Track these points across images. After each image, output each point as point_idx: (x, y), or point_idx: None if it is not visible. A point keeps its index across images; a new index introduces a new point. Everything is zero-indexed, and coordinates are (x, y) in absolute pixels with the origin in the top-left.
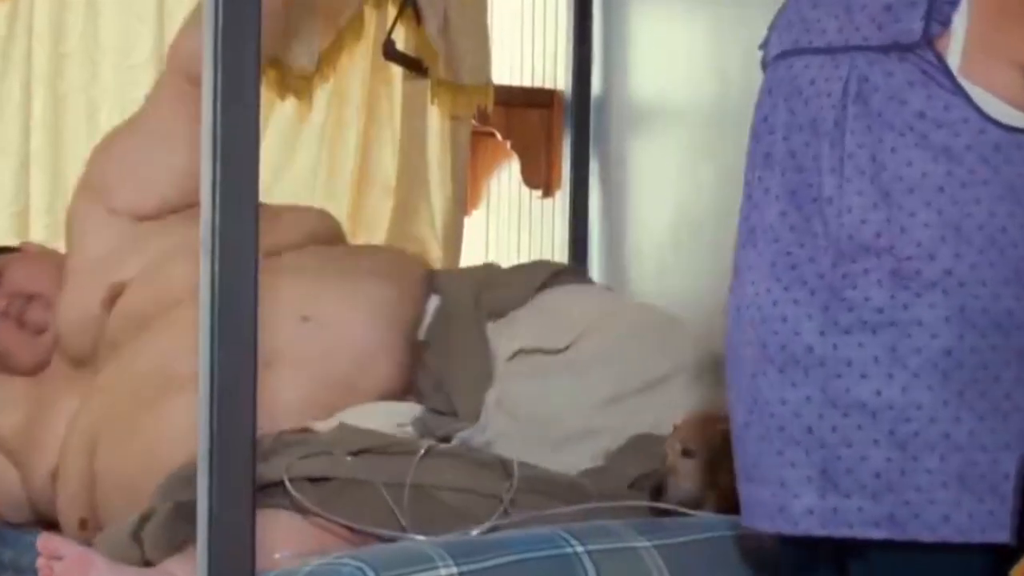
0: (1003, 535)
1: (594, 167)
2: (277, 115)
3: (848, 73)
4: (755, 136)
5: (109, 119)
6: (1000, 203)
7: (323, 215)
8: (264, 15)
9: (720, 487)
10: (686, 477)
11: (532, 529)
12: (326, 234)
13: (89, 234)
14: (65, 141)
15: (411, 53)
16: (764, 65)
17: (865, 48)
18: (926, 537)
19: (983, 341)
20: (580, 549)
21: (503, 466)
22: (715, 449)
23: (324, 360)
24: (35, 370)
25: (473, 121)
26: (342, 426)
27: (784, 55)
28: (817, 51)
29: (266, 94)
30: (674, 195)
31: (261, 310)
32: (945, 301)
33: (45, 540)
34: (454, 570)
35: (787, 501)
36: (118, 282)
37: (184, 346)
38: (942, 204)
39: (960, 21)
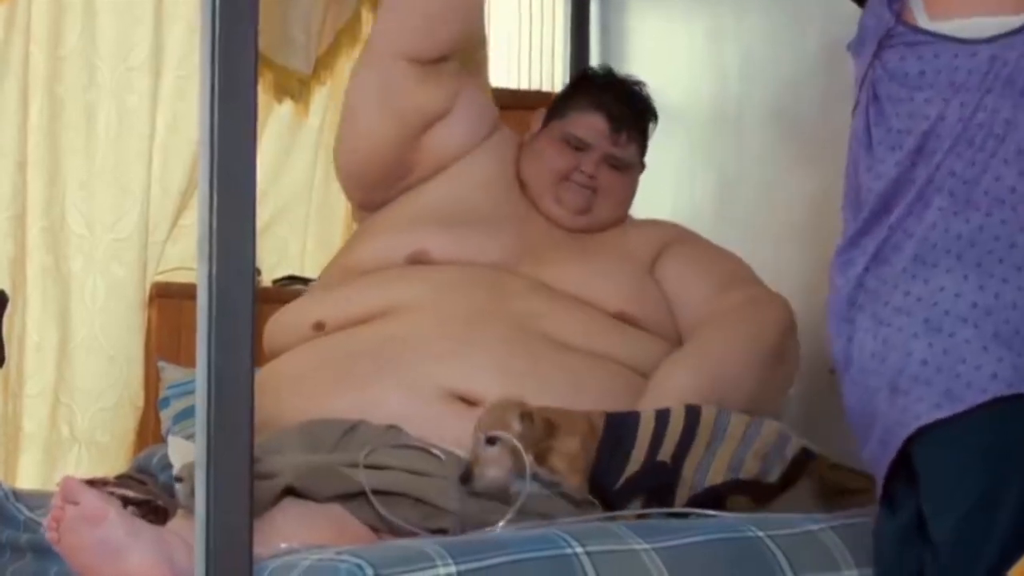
0: None
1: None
2: (274, 118)
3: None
4: None
5: (107, 122)
6: (1002, 100)
7: None
8: None
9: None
10: (491, 464)
11: (532, 529)
12: None
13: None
14: (62, 144)
15: None
16: None
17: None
18: (981, 399)
19: (990, 219)
20: (580, 550)
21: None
22: (527, 433)
23: None
24: None
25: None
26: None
27: None
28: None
29: (263, 97)
30: (673, 196)
31: None
32: (950, 199)
33: (68, 481)
34: (452, 569)
35: (869, 407)
36: None
37: None
38: (945, 129)
39: None
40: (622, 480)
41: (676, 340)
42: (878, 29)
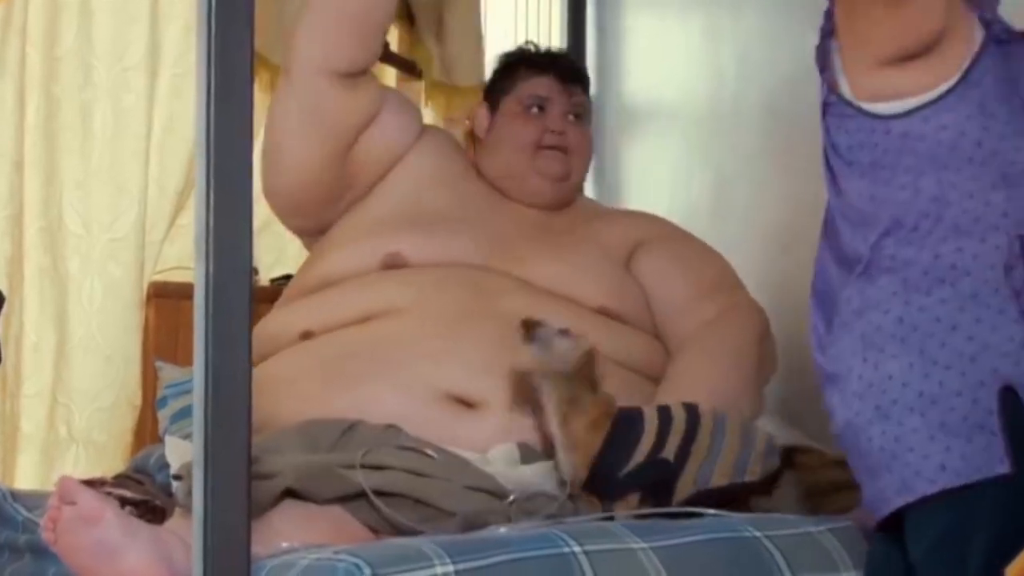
0: (1003, 467)
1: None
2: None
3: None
4: None
5: (103, 122)
6: (924, 178)
7: None
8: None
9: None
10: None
11: (529, 529)
12: None
13: None
14: (59, 144)
15: (405, 55)
16: None
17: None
18: (930, 490)
19: (930, 299)
20: (577, 549)
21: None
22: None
23: None
24: None
25: (467, 122)
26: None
27: None
28: None
29: (259, 96)
30: (668, 196)
31: None
32: (890, 280)
33: (64, 481)
34: (450, 568)
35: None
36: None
37: None
38: (876, 209)
39: (835, 54)
40: (624, 472)
41: (656, 333)
42: (820, 95)
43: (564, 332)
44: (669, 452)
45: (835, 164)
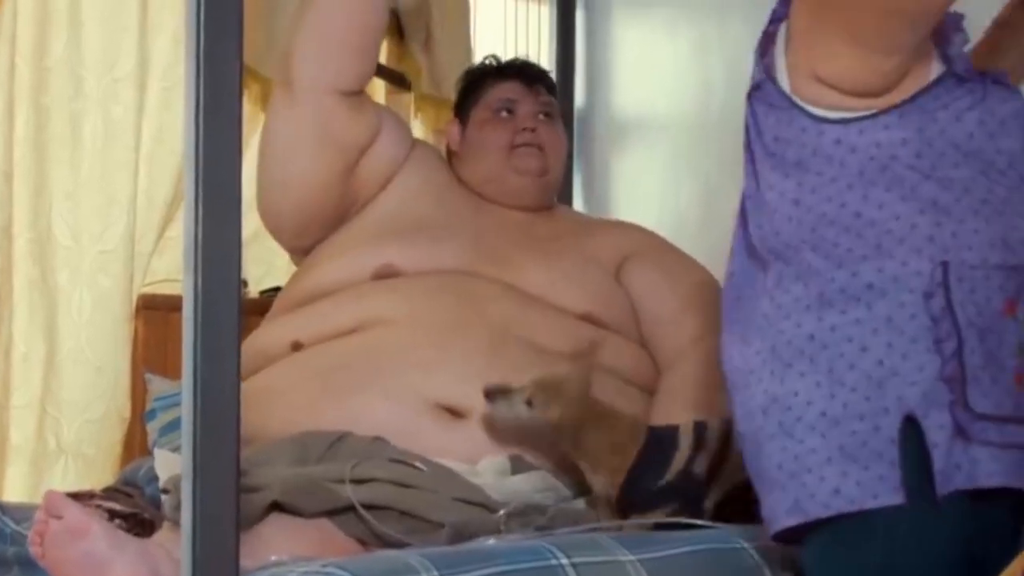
0: (898, 497)
1: (577, 180)
2: (260, 129)
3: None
4: None
5: (92, 133)
6: (850, 192)
7: None
8: None
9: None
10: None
11: (518, 541)
12: None
13: None
14: (48, 155)
15: (394, 67)
16: None
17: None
18: (823, 513)
19: (844, 317)
20: (565, 561)
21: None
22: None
23: None
24: None
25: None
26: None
27: None
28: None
29: (249, 108)
30: (657, 208)
31: None
32: (805, 291)
33: (51, 495)
34: None
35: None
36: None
37: None
38: (797, 214)
39: (781, 47)
40: (657, 486)
41: (641, 342)
42: (753, 75)
43: (529, 403)
44: (700, 466)
45: (756, 150)
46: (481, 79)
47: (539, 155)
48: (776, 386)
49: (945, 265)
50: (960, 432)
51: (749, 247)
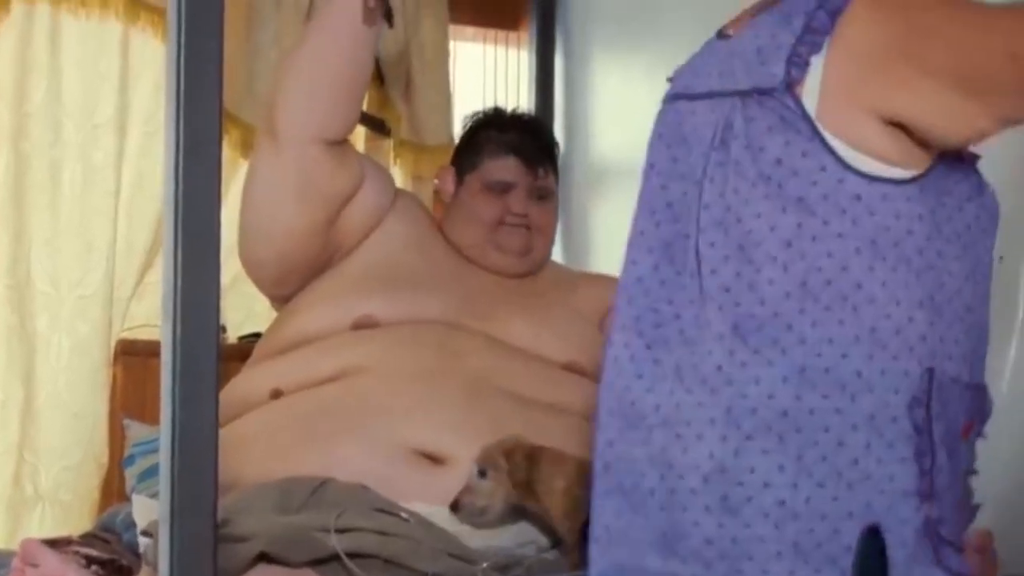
0: None
1: (557, 226)
2: (239, 175)
3: (718, 119)
4: (642, 184)
5: (72, 179)
6: (856, 257)
7: None
8: None
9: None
10: (479, 495)
11: None
12: None
13: None
14: (28, 201)
15: (374, 113)
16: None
17: (734, 93)
18: None
19: (825, 403)
20: None
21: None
22: (517, 470)
23: None
24: None
25: (435, 181)
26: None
27: (673, 98)
28: (699, 96)
29: (228, 153)
30: None
31: None
32: (783, 359)
33: (27, 543)
34: None
35: (640, 562)
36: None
37: None
38: (789, 258)
39: (818, 65)
40: None
41: None
42: (760, 74)
43: (482, 473)
44: None
45: (744, 164)
46: (483, 141)
47: (524, 234)
48: (727, 456)
49: (931, 372)
50: (921, 553)
51: (675, 256)
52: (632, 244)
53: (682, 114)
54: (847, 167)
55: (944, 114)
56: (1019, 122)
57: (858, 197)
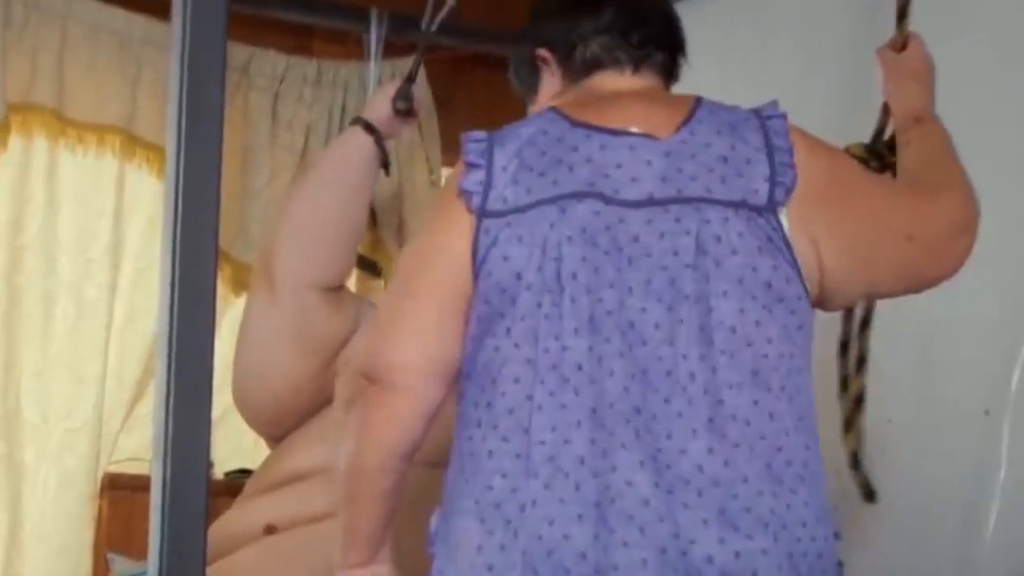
0: None
1: None
2: (232, 311)
3: (698, 228)
4: (540, 292)
5: (64, 312)
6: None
7: None
8: None
9: None
10: None
11: None
12: None
13: None
14: (19, 333)
15: (366, 254)
16: (487, 211)
17: (711, 201)
18: None
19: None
20: None
21: None
22: None
23: None
24: None
25: None
26: None
27: (577, 197)
28: (638, 204)
29: (220, 290)
30: None
31: None
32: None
33: None
34: None
35: None
36: None
37: None
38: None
39: (781, 194)
40: None
41: None
42: (741, 188)
43: None
44: None
45: (745, 278)
46: None
47: None
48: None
49: None
50: None
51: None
52: (560, 363)
53: (607, 219)
54: (808, 294)
55: (840, 270)
56: (880, 297)
57: (808, 322)
